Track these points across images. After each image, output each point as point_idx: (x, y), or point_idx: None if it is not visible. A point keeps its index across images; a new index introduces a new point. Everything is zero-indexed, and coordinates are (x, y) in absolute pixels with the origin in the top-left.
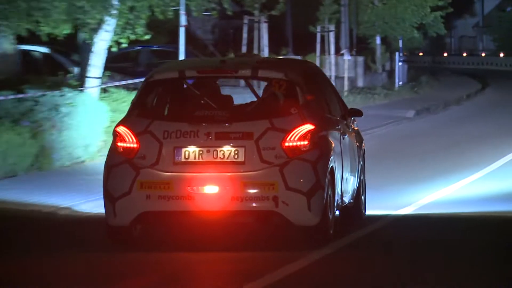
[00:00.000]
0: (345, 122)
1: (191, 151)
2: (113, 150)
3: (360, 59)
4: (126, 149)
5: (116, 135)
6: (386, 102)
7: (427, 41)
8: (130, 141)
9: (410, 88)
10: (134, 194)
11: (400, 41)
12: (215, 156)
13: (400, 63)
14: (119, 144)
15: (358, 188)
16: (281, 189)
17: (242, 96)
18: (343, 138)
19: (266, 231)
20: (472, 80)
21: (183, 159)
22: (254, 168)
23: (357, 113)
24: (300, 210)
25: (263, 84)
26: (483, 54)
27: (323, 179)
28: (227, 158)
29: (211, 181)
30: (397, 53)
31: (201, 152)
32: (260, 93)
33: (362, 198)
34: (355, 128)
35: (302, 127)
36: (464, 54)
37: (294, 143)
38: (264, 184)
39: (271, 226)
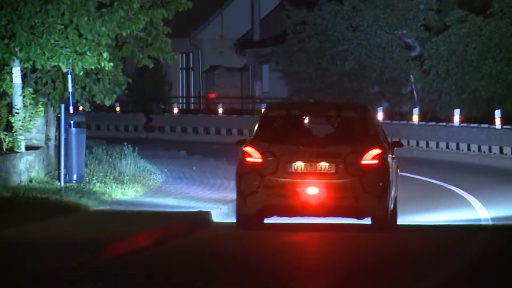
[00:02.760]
0: (391, 149)
1: (298, 165)
2: (243, 163)
3: None
4: (253, 163)
5: (245, 153)
6: None
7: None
8: (256, 157)
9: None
10: (260, 192)
11: (70, 78)
12: (315, 169)
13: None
14: (247, 159)
15: (395, 198)
16: (360, 192)
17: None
18: (392, 160)
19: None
20: None
21: (293, 170)
22: (342, 178)
23: (399, 144)
24: (372, 206)
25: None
26: None
27: (386, 187)
28: (323, 170)
29: (313, 185)
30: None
31: (306, 165)
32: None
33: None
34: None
35: (373, 150)
36: None
37: (368, 161)
38: (349, 189)
39: (352, 217)
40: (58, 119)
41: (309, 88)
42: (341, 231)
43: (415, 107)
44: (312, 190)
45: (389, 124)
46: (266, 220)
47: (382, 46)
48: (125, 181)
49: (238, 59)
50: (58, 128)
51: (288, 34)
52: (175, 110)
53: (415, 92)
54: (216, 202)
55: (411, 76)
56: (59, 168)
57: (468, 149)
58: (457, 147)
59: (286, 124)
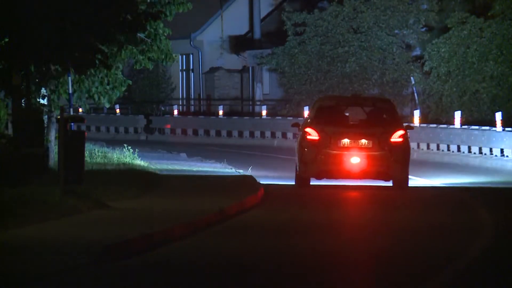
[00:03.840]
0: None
1: (346, 141)
2: (305, 139)
3: None
4: (313, 140)
5: (306, 132)
6: None
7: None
8: (315, 135)
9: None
10: (318, 161)
11: (69, 80)
12: (357, 144)
13: (73, 131)
14: (308, 137)
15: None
16: (389, 162)
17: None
18: (409, 138)
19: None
20: None
21: (341, 145)
22: (376, 151)
23: (411, 127)
24: (398, 172)
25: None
26: None
27: (408, 157)
28: (363, 145)
29: (356, 156)
30: (62, 109)
31: (350, 142)
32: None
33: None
34: None
35: (398, 131)
36: None
37: (395, 139)
38: (381, 159)
39: (381, 179)
40: (58, 121)
41: (309, 90)
42: (372, 189)
43: (416, 109)
44: (355, 160)
45: None
46: (313, 182)
47: (382, 47)
48: (125, 182)
49: (238, 61)
50: (58, 130)
51: (288, 35)
52: (175, 111)
53: (415, 94)
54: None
55: (412, 78)
56: (59, 170)
57: (469, 151)
58: (458, 149)
59: (333, 112)
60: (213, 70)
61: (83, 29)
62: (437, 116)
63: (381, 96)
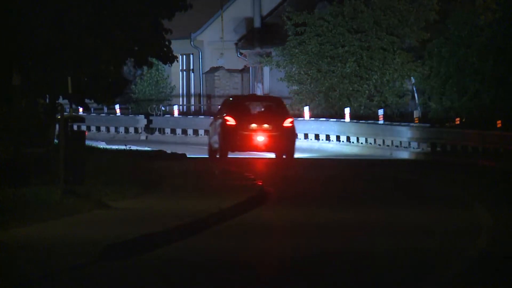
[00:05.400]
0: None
1: (254, 125)
2: (225, 125)
3: None
4: (231, 124)
5: (226, 119)
6: None
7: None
8: (232, 121)
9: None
10: (235, 139)
11: (69, 80)
12: (262, 128)
13: (73, 131)
14: (227, 123)
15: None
16: (283, 140)
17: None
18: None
19: None
20: None
21: (251, 128)
22: (275, 132)
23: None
24: (289, 147)
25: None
26: None
27: (295, 138)
28: (266, 128)
29: (261, 135)
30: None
31: (257, 126)
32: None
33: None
34: None
35: (288, 119)
36: None
37: (286, 124)
38: (279, 138)
39: (277, 152)
40: (58, 120)
41: (310, 90)
42: (272, 159)
43: (416, 109)
44: (260, 138)
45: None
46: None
47: (382, 47)
48: (125, 182)
49: (239, 61)
50: (58, 130)
51: (288, 35)
52: (176, 112)
53: (415, 94)
54: None
55: (412, 78)
56: (59, 170)
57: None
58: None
59: (241, 106)
60: (213, 70)
61: (83, 30)
62: (438, 115)
63: (272, 96)
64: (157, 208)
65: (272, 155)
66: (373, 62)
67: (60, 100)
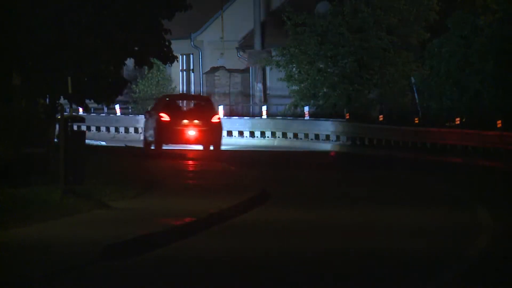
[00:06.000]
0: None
1: (185, 121)
2: (159, 120)
3: None
4: (165, 120)
5: (160, 116)
6: None
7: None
8: (167, 117)
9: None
10: (169, 133)
11: (69, 80)
12: (192, 123)
13: (73, 130)
14: (162, 119)
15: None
16: (211, 134)
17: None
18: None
19: None
20: None
21: (183, 123)
22: (204, 127)
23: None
24: (216, 140)
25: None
26: None
27: (221, 132)
28: (196, 124)
29: (192, 130)
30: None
31: (188, 121)
32: (191, 106)
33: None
34: None
35: (216, 116)
36: None
37: (214, 120)
38: (207, 132)
39: (206, 145)
40: (58, 120)
41: (309, 90)
42: (200, 151)
43: (417, 109)
44: (191, 132)
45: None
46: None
47: (382, 47)
48: (125, 182)
49: (239, 61)
50: (58, 130)
51: (289, 35)
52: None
53: (416, 94)
54: None
55: (412, 78)
56: (59, 170)
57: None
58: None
59: (173, 104)
60: (213, 70)
61: (83, 30)
62: (439, 115)
63: (202, 95)
64: (157, 208)
65: (200, 147)
66: (373, 62)
67: (60, 100)
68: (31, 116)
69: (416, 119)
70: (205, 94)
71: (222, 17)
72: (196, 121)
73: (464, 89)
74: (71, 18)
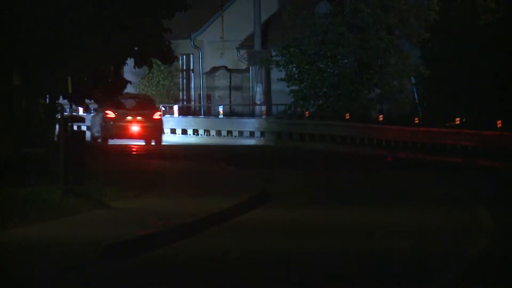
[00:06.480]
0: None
1: (129, 118)
2: (105, 117)
3: None
4: (111, 117)
5: (106, 113)
6: None
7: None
8: (112, 115)
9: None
10: (114, 129)
11: (69, 79)
12: (136, 119)
13: (73, 130)
14: (107, 116)
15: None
16: (153, 129)
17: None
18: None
19: None
20: None
21: (127, 120)
22: (146, 123)
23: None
24: (158, 135)
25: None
26: None
27: (162, 127)
28: (139, 120)
29: (135, 126)
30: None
31: (132, 118)
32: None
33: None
34: None
35: (157, 112)
36: None
37: (156, 117)
38: (150, 128)
39: (148, 140)
40: (58, 120)
41: (309, 90)
42: (144, 146)
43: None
44: (135, 128)
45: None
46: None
47: (382, 47)
48: (125, 182)
49: (239, 61)
50: (58, 130)
51: (289, 35)
52: (176, 112)
53: (416, 94)
54: None
55: (412, 78)
56: (59, 170)
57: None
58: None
59: (118, 102)
60: (213, 70)
61: (83, 30)
62: (438, 115)
63: (145, 94)
64: (157, 208)
65: (142, 142)
66: (373, 62)
67: (60, 100)
68: (31, 116)
69: (416, 119)
70: (205, 94)
71: (222, 17)
72: (139, 118)
73: (464, 89)
74: (71, 18)
